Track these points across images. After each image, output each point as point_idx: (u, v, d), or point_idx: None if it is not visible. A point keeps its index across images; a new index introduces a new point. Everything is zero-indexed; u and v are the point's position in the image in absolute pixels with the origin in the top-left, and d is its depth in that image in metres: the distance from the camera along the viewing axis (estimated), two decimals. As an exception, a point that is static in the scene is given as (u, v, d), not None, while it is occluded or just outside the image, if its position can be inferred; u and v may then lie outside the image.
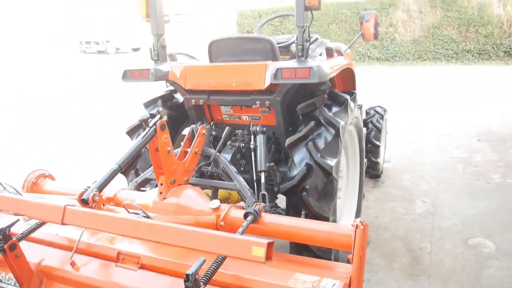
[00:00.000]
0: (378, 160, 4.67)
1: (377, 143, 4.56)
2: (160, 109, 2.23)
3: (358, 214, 3.46)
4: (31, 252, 2.01)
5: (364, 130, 3.99)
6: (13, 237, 1.90)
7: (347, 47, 4.12)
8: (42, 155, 6.29)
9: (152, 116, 2.26)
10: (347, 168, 3.35)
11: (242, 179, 2.60)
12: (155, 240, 1.53)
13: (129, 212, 1.83)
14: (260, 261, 1.36)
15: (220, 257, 1.54)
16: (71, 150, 6.58)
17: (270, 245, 1.35)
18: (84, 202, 1.96)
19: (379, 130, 4.60)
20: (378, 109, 4.80)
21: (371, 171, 4.77)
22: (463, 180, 4.81)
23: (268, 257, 1.34)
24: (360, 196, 3.50)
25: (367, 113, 4.77)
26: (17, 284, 1.94)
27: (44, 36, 26.28)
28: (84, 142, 6.97)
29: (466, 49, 17.39)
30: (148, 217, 1.82)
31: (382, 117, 4.74)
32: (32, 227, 1.99)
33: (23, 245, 1.96)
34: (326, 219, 2.50)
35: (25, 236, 1.96)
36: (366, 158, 4.63)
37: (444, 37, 17.72)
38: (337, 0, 19.05)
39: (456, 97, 9.76)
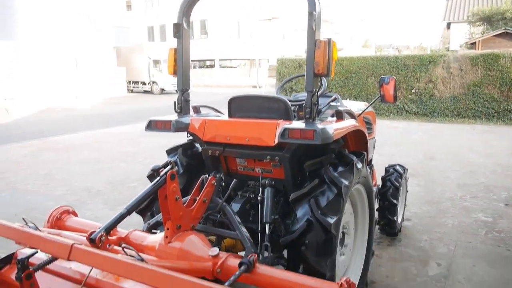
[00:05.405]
0: (395, 218, 4.68)
1: (394, 201, 4.60)
2: (172, 160, 2.46)
3: (365, 271, 3.49)
4: (45, 283, 2.23)
5: (375, 189, 4.05)
6: (30, 267, 2.13)
7: (366, 107, 4.30)
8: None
9: (164, 166, 2.49)
10: (355, 225, 3.42)
11: (244, 230, 2.74)
12: (134, 279, 1.72)
13: (126, 254, 2.02)
14: None
15: None
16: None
17: None
18: (92, 241, 2.18)
19: (396, 189, 4.64)
20: (397, 167, 4.87)
21: (388, 228, 4.78)
22: (483, 245, 4.71)
23: None
24: (369, 253, 3.54)
25: (386, 171, 4.84)
26: (28, 312, 2.14)
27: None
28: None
29: (508, 109, 17.10)
30: (142, 259, 2.01)
31: (401, 175, 4.78)
32: (48, 260, 2.21)
33: (39, 276, 2.19)
34: (322, 275, 2.59)
35: (41, 267, 2.19)
36: (382, 215, 4.68)
37: (485, 96, 17.52)
38: (377, 55, 19.35)
39: (489, 156, 9.56)
